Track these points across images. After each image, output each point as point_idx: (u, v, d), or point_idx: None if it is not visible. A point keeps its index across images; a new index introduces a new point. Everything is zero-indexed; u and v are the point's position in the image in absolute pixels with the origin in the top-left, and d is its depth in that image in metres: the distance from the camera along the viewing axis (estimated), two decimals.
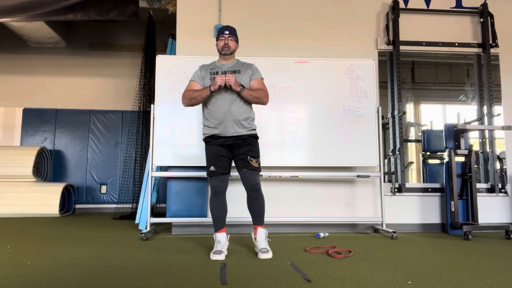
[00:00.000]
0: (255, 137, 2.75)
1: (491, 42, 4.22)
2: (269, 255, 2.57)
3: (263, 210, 2.74)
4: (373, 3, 4.26)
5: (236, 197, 3.84)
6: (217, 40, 2.77)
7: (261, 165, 3.69)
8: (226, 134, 2.66)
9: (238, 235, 3.59)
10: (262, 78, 2.82)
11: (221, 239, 2.65)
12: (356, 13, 4.22)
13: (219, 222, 2.69)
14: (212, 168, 2.67)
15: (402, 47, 4.17)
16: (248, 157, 2.66)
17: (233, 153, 2.72)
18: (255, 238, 2.70)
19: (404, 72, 4.34)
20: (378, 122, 3.83)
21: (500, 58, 4.30)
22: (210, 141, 2.72)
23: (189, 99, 2.68)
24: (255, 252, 2.72)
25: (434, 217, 3.99)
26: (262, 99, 2.71)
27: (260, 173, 3.67)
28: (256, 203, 2.72)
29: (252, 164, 2.67)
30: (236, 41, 2.79)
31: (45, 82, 6.41)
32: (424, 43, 4.22)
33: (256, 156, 2.71)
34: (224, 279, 2.01)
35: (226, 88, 2.61)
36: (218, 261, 2.46)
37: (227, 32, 2.73)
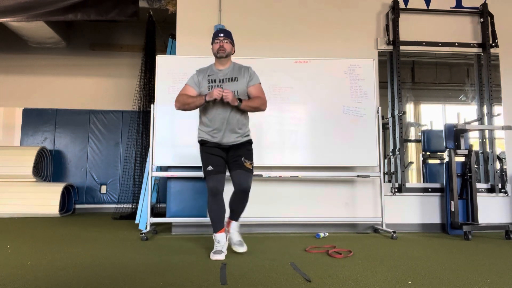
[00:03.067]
0: (249, 143, 2.78)
1: (491, 42, 4.22)
2: (244, 248, 2.68)
3: (243, 209, 2.80)
4: (373, 3, 4.26)
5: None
6: (212, 44, 2.73)
7: (261, 165, 3.73)
8: (222, 143, 2.67)
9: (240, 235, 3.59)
10: (260, 83, 2.76)
11: (221, 239, 2.65)
12: (356, 13, 4.22)
13: (218, 223, 2.67)
14: (209, 167, 2.63)
15: (402, 47, 4.18)
16: (242, 158, 2.67)
17: (227, 156, 2.72)
18: (228, 230, 2.77)
19: (404, 72, 4.34)
20: (378, 122, 3.83)
21: (500, 58, 4.30)
22: (206, 142, 2.70)
23: (182, 104, 2.64)
24: (255, 252, 2.72)
25: (434, 217, 3.99)
26: (261, 108, 2.71)
27: (260, 173, 3.72)
28: (242, 204, 2.74)
29: (246, 166, 2.67)
30: (232, 44, 2.74)
31: (45, 82, 6.41)
32: (424, 43, 4.22)
33: (250, 158, 2.72)
34: (224, 279, 2.01)
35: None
36: (218, 261, 2.46)
37: (221, 35, 2.69)
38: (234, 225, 2.78)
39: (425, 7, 4.28)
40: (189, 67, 3.69)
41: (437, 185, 4.04)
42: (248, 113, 2.77)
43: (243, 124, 2.71)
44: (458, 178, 3.83)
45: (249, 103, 2.63)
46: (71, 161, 6.22)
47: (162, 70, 3.74)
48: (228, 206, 2.76)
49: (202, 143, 2.73)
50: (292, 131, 3.78)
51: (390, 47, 4.17)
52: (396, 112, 4.09)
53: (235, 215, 2.78)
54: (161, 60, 3.78)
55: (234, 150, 2.70)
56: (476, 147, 4.22)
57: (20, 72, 6.41)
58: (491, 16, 4.26)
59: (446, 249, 2.93)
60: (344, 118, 3.82)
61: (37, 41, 6.00)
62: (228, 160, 2.72)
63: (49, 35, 5.80)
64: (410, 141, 4.47)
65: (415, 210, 3.99)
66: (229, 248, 2.75)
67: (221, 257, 2.51)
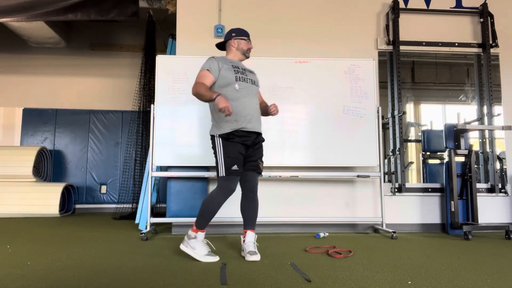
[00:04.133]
0: (263, 140, 2.76)
1: (491, 42, 4.22)
2: (257, 257, 2.50)
3: (257, 214, 2.69)
4: (373, 3, 4.26)
5: (238, 198, 3.85)
6: (237, 39, 2.69)
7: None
8: (254, 128, 2.58)
9: (239, 235, 3.59)
10: None
11: (203, 239, 2.55)
12: (356, 13, 4.22)
13: (208, 222, 2.55)
14: (235, 167, 2.50)
15: (402, 47, 4.18)
16: (259, 159, 2.66)
17: (246, 153, 2.62)
18: (244, 241, 2.62)
19: (404, 72, 4.34)
20: (378, 122, 3.83)
21: (500, 58, 4.30)
22: (233, 138, 2.53)
23: (198, 94, 2.49)
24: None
25: (434, 217, 3.99)
26: None
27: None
28: (253, 205, 2.66)
29: (260, 167, 2.67)
30: None
31: (45, 82, 6.41)
32: (424, 43, 4.22)
33: (262, 160, 2.75)
34: (224, 279, 2.01)
35: (254, 85, 2.66)
36: (199, 264, 2.37)
37: (249, 37, 2.75)
38: (251, 236, 2.61)
39: (425, 7, 4.28)
40: (189, 67, 3.71)
41: (437, 185, 4.04)
42: None
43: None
44: (458, 178, 3.84)
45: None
46: (71, 161, 6.22)
47: (162, 70, 3.74)
48: (242, 215, 2.67)
49: (229, 138, 2.53)
50: (292, 131, 3.78)
51: (390, 47, 4.17)
52: (396, 112, 4.09)
53: (249, 222, 2.66)
54: (161, 60, 3.78)
55: (254, 149, 2.63)
56: (476, 147, 4.22)
57: (20, 72, 6.42)
58: (491, 16, 4.26)
59: (446, 249, 2.93)
60: (344, 118, 3.82)
61: (37, 41, 6.00)
62: (246, 158, 2.63)
63: (49, 35, 5.80)
64: (410, 141, 4.47)
65: (415, 210, 3.99)
66: (229, 249, 2.75)
67: (217, 258, 2.46)
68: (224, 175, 2.51)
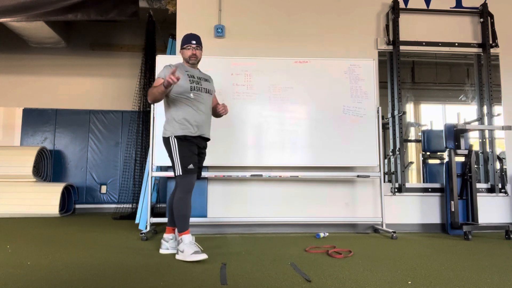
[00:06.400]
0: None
1: (491, 42, 4.22)
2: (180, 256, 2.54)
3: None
4: (373, 3, 4.26)
5: (238, 198, 3.85)
6: (182, 48, 2.76)
7: (261, 165, 3.73)
8: (204, 135, 2.74)
9: (239, 235, 3.59)
10: None
11: (191, 239, 2.57)
12: (356, 13, 4.22)
13: (188, 221, 2.62)
14: (191, 166, 2.63)
15: (402, 47, 4.18)
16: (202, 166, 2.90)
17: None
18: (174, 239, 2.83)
19: (404, 72, 4.34)
20: (378, 122, 3.83)
21: (500, 58, 4.30)
22: (188, 138, 2.66)
23: (152, 95, 2.60)
24: (255, 252, 2.72)
25: (434, 217, 3.99)
26: None
27: (260, 173, 3.72)
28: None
29: (201, 173, 2.95)
30: (201, 49, 2.82)
31: (45, 82, 6.41)
32: (424, 43, 4.22)
33: None
34: (224, 279, 2.01)
35: (207, 93, 2.76)
36: (201, 260, 2.42)
37: (194, 42, 2.74)
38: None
39: (425, 7, 4.28)
40: None
41: (437, 185, 4.04)
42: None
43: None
44: (458, 178, 3.83)
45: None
46: (71, 161, 6.22)
47: None
48: (169, 211, 2.81)
49: (183, 138, 2.65)
50: (292, 131, 3.78)
51: (390, 47, 4.17)
52: (396, 112, 4.09)
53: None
54: (161, 60, 3.78)
55: (200, 154, 2.79)
56: (476, 147, 4.22)
57: (20, 72, 6.41)
58: (491, 16, 4.26)
59: (446, 249, 2.93)
60: (344, 118, 3.82)
61: (37, 41, 6.00)
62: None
63: (49, 35, 5.80)
64: (410, 141, 4.47)
65: (415, 210, 3.99)
66: (229, 248, 2.75)
67: (204, 255, 2.44)
68: (181, 173, 2.62)
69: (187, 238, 2.55)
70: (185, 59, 2.78)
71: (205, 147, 2.84)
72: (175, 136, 2.65)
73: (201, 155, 2.83)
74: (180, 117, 2.66)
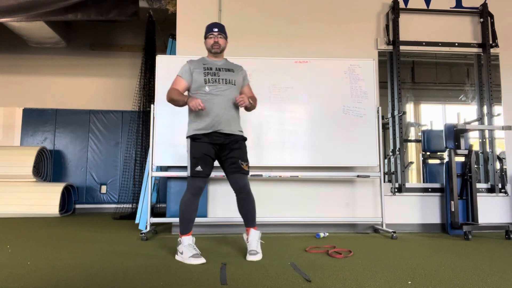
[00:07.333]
0: (244, 139, 2.70)
1: (491, 42, 4.22)
2: (257, 257, 2.49)
3: (254, 211, 2.65)
4: (373, 3, 4.26)
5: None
6: (205, 38, 2.70)
7: (261, 165, 3.73)
8: (222, 130, 2.56)
9: (239, 235, 3.59)
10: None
11: (191, 242, 2.54)
12: (356, 13, 4.22)
13: (191, 224, 2.57)
14: (199, 168, 2.52)
15: (402, 47, 4.18)
16: (240, 160, 2.60)
17: (221, 154, 2.62)
18: (247, 239, 2.63)
19: (404, 72, 4.34)
20: (378, 122, 3.83)
21: (500, 58, 4.30)
22: (200, 138, 2.56)
23: (171, 99, 2.60)
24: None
25: (434, 217, 3.99)
26: (255, 107, 2.76)
27: (260, 173, 3.72)
28: (246, 204, 2.62)
29: (244, 168, 2.61)
30: (226, 38, 2.72)
31: (45, 82, 6.41)
32: (424, 43, 4.22)
33: (247, 159, 2.66)
34: (224, 279, 2.01)
35: (228, 84, 2.61)
36: (199, 264, 2.37)
37: (216, 30, 2.66)
38: (253, 233, 2.60)
39: (425, 7, 4.28)
40: None
41: (437, 185, 4.04)
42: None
43: (238, 117, 2.70)
44: (458, 178, 3.83)
45: (252, 101, 2.66)
46: (71, 161, 6.22)
47: (162, 70, 3.74)
48: (241, 216, 2.66)
49: (195, 138, 2.58)
50: (292, 131, 3.78)
51: (390, 47, 4.17)
52: (396, 112, 4.09)
53: (248, 221, 2.64)
54: (161, 60, 3.78)
55: (230, 150, 2.60)
56: (476, 147, 4.22)
57: (20, 72, 6.42)
58: (491, 16, 4.26)
59: (446, 249, 2.93)
60: (344, 118, 3.82)
61: (37, 41, 6.00)
62: (222, 159, 2.63)
63: (49, 35, 5.80)
64: (410, 141, 4.47)
65: (415, 210, 3.99)
66: (229, 248, 2.75)
67: (202, 260, 2.40)
68: (189, 175, 2.56)
69: (187, 240, 2.52)
70: (208, 49, 2.70)
71: (237, 141, 2.61)
72: (188, 137, 2.62)
73: (234, 151, 2.59)
74: (193, 115, 2.61)
